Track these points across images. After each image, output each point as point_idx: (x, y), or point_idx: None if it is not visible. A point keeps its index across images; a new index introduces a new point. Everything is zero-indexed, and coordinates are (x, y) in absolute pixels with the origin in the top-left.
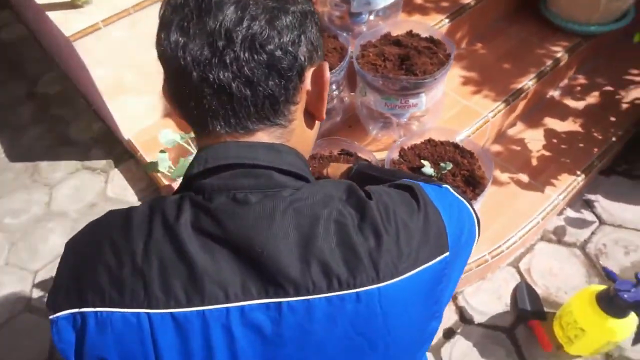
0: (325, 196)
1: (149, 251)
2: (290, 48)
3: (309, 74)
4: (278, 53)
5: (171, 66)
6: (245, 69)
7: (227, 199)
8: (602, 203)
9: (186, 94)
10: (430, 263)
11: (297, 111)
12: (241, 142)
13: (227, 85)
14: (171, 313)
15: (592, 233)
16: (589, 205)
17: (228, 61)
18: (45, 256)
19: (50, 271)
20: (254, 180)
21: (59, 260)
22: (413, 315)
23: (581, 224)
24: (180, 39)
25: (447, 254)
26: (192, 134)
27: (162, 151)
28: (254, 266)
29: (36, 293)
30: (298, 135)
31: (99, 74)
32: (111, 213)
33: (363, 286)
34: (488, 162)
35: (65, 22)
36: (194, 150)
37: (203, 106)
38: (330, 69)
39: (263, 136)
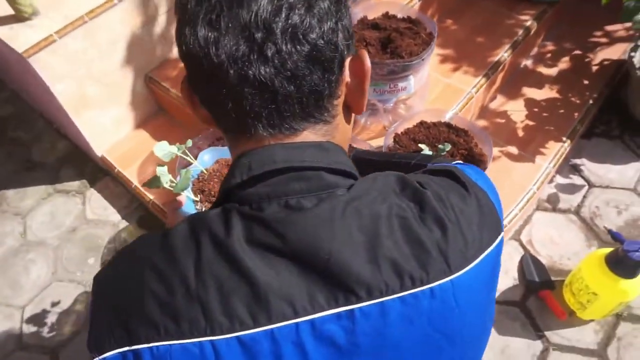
0: (380, 191)
1: (201, 273)
2: (330, 37)
3: (346, 65)
4: (320, 43)
5: (201, 65)
6: (289, 62)
7: (279, 207)
8: (587, 166)
9: (222, 95)
10: (492, 246)
11: (339, 105)
12: (287, 143)
13: (269, 82)
14: (237, 337)
15: (584, 197)
16: (576, 169)
17: (269, 55)
18: (30, 289)
19: (39, 305)
20: (305, 184)
21: (43, 292)
22: (482, 302)
23: (572, 189)
24: (210, 34)
25: (502, 233)
26: (189, 144)
27: (160, 165)
28: (319, 274)
29: (27, 329)
30: (341, 131)
31: (60, 90)
32: (142, 238)
33: (436, 281)
34: (485, 138)
35: (14, 37)
36: (193, 161)
37: (243, 107)
38: None
39: (309, 135)
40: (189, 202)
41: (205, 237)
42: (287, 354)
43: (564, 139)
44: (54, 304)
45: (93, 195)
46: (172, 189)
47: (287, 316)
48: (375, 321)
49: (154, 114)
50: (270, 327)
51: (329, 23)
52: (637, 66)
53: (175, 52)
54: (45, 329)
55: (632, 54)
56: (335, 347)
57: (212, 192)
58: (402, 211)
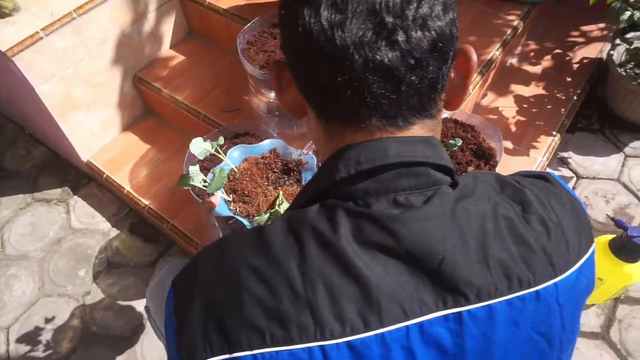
0: (483, 190)
1: (308, 274)
2: (450, 27)
3: None
4: (445, 32)
5: (321, 49)
6: (416, 50)
7: (388, 203)
8: (574, 159)
9: (341, 81)
10: (589, 252)
11: (442, 100)
12: (398, 137)
13: (395, 69)
14: (347, 342)
15: (573, 187)
16: (564, 162)
17: (400, 40)
18: (14, 308)
19: (26, 323)
20: (413, 180)
21: (30, 309)
22: (578, 307)
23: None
24: (334, 16)
25: (594, 243)
26: (221, 141)
27: (192, 163)
28: (429, 275)
29: (16, 351)
30: (440, 126)
31: (46, 91)
32: (231, 237)
33: (542, 283)
34: (492, 133)
35: None
36: (224, 158)
37: (362, 96)
38: None
39: (418, 130)
40: (222, 203)
41: (308, 235)
42: (397, 358)
43: (554, 133)
44: (47, 320)
45: (77, 203)
46: (206, 188)
47: (398, 319)
48: (482, 324)
49: (141, 116)
50: (382, 331)
51: (450, 14)
52: (616, 63)
53: (164, 51)
54: (40, 348)
55: (612, 52)
56: (441, 350)
57: (246, 192)
58: (507, 211)
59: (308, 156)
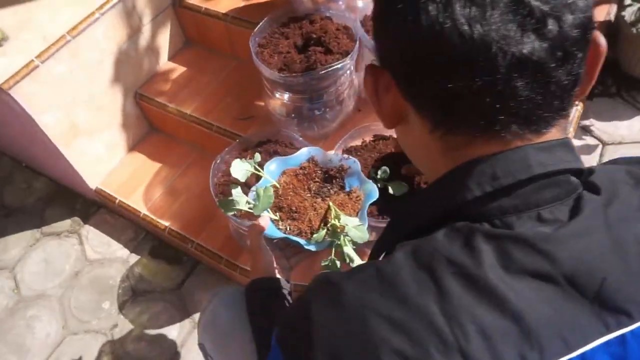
0: (625, 191)
1: (454, 316)
2: (592, 10)
3: None
4: (592, 15)
5: (452, 49)
6: (567, 40)
7: (532, 221)
8: (597, 126)
9: (480, 85)
10: None
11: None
12: (537, 144)
13: (545, 66)
14: None
15: (601, 155)
16: (587, 130)
17: (551, 30)
18: (39, 351)
19: None
20: (556, 191)
21: (56, 351)
22: None
23: (588, 149)
24: (470, 10)
25: None
26: (258, 158)
27: (234, 185)
28: (588, 297)
29: None
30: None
31: (46, 121)
32: (340, 280)
33: None
34: None
35: None
36: (264, 174)
37: (504, 101)
38: (346, 53)
39: (555, 132)
40: (270, 223)
41: (445, 268)
42: None
43: (577, 102)
44: None
45: (90, 232)
46: (253, 210)
47: (561, 353)
48: None
49: (146, 134)
50: None
51: None
52: (628, 22)
53: (162, 64)
54: None
55: (623, 13)
56: None
57: (293, 208)
58: None
59: (350, 161)
